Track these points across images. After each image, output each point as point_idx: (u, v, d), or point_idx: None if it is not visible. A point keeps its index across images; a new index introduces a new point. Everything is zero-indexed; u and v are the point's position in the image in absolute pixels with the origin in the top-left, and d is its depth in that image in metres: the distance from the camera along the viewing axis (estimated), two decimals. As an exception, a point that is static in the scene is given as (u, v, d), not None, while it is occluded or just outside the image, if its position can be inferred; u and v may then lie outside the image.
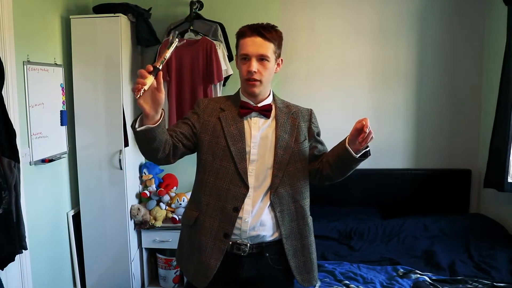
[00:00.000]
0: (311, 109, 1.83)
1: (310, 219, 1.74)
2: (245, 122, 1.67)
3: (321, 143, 1.80)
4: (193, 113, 1.72)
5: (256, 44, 1.59)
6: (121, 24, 2.95)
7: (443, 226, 3.07)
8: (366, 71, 3.46)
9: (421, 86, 3.45)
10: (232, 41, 3.28)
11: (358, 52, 3.44)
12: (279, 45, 1.66)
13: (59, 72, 2.94)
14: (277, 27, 1.67)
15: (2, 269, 2.28)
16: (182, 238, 1.80)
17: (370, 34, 3.42)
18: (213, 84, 3.12)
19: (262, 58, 1.60)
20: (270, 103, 1.70)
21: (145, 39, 3.14)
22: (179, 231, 1.83)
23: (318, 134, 1.81)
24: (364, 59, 3.44)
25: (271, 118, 1.69)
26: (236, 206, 1.61)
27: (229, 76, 3.21)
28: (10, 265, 2.32)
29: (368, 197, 3.45)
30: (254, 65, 1.59)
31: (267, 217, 1.65)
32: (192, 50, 3.09)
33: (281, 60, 1.70)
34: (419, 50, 3.41)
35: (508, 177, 2.98)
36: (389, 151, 3.50)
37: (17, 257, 2.37)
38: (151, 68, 1.39)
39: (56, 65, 2.90)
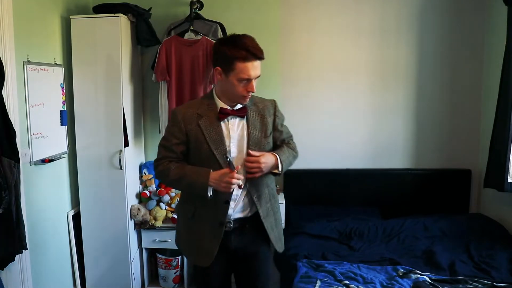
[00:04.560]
0: (274, 101, 1.99)
1: (277, 197, 2.06)
2: (223, 124, 1.84)
3: (282, 131, 1.99)
4: (173, 126, 1.86)
5: (256, 68, 1.74)
6: (121, 24, 2.95)
7: (443, 226, 3.07)
8: (366, 71, 3.45)
9: (421, 86, 3.44)
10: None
11: (358, 52, 3.43)
12: None
13: (59, 72, 2.94)
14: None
15: (2, 269, 2.28)
16: (181, 228, 2.03)
17: (370, 34, 3.41)
18: (213, 84, 3.11)
19: (257, 77, 1.78)
20: (244, 105, 1.87)
21: (145, 39, 3.14)
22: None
23: (282, 124, 2.00)
24: (364, 59, 3.44)
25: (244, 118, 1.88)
26: (227, 200, 1.85)
27: (229, 76, 3.21)
28: (10, 265, 2.33)
29: (368, 197, 3.45)
30: (254, 86, 1.77)
31: (246, 201, 1.91)
32: (192, 50, 3.09)
33: None
34: (419, 50, 3.41)
35: (508, 177, 2.98)
36: (389, 151, 3.50)
37: (17, 257, 2.37)
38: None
39: (56, 65, 2.90)
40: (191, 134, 1.83)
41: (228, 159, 1.73)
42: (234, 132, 1.85)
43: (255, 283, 2.02)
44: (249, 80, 1.74)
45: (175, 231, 2.09)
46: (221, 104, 1.84)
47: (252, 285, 2.02)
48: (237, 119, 1.86)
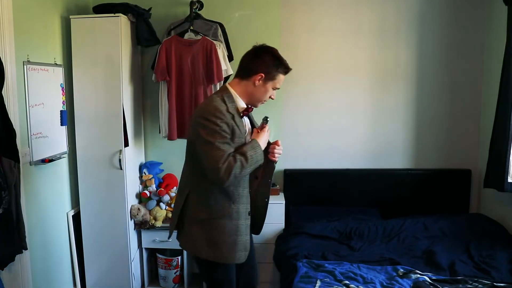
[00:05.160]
0: None
1: None
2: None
3: None
4: (222, 123, 1.88)
5: None
6: (121, 24, 2.95)
7: (443, 226, 3.07)
8: (366, 71, 3.45)
9: (421, 86, 3.45)
10: (233, 41, 3.31)
11: (358, 52, 3.43)
12: None
13: (59, 72, 2.94)
14: None
15: (2, 269, 2.28)
16: (220, 232, 1.97)
17: (370, 35, 3.41)
18: (213, 84, 3.11)
19: None
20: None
21: (145, 39, 3.14)
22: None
23: None
24: (364, 59, 3.44)
25: None
26: (250, 189, 2.04)
27: (229, 76, 3.21)
28: (10, 265, 2.32)
29: (368, 197, 3.46)
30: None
31: None
32: (192, 50, 3.09)
33: None
34: (419, 50, 3.41)
35: (508, 177, 2.97)
36: (389, 151, 3.50)
37: (17, 257, 2.37)
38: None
39: (56, 65, 2.90)
40: (233, 130, 1.91)
41: (267, 119, 2.03)
42: (247, 127, 2.05)
43: (252, 260, 2.20)
44: (278, 89, 2.04)
45: (174, 231, 2.10)
46: (243, 104, 2.00)
47: (251, 262, 2.19)
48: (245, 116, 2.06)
